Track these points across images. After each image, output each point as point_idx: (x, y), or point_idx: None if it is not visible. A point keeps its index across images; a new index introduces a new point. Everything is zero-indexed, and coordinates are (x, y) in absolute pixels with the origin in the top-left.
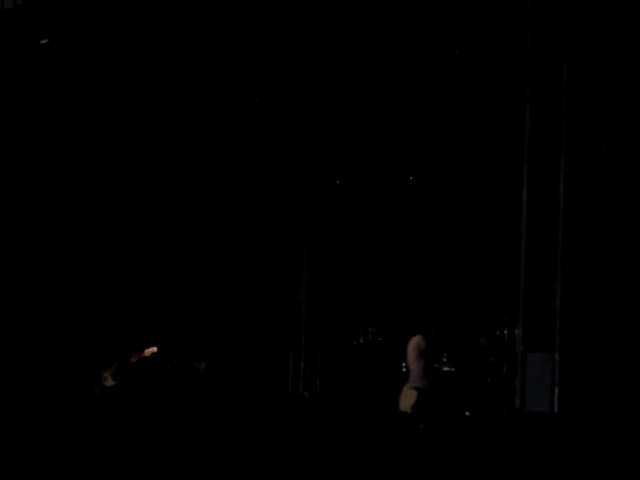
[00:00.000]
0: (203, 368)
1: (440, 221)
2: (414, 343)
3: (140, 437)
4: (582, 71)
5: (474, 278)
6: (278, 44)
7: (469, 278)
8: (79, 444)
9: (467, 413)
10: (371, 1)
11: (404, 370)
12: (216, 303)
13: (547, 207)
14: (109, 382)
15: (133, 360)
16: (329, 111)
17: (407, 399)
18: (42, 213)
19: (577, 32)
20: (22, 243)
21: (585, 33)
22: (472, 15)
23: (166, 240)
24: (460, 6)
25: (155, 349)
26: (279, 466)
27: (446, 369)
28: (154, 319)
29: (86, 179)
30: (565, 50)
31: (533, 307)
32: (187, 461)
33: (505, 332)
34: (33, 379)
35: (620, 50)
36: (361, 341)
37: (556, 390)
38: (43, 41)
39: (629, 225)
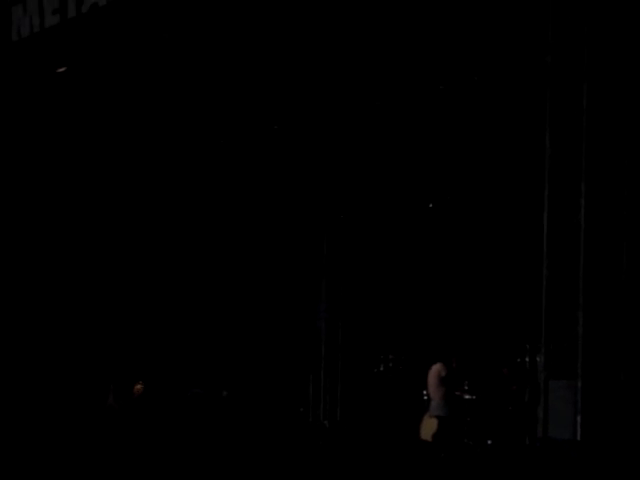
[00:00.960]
0: (225, 397)
1: (461, 248)
2: (435, 371)
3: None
4: (602, 95)
5: (495, 305)
6: (293, 57)
7: (490, 305)
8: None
9: (489, 442)
10: (390, 27)
11: (425, 398)
12: (236, 331)
13: (568, 233)
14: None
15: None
16: (348, 139)
17: (428, 428)
18: (45, 223)
19: (597, 55)
20: (25, 251)
21: (605, 56)
22: (491, 40)
23: (188, 271)
24: (479, 32)
25: (140, 386)
26: None
27: (467, 397)
28: (176, 348)
29: (92, 188)
30: (585, 74)
31: (555, 334)
32: None
33: (527, 359)
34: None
35: None
36: (381, 369)
37: (579, 418)
38: (61, 69)
39: None
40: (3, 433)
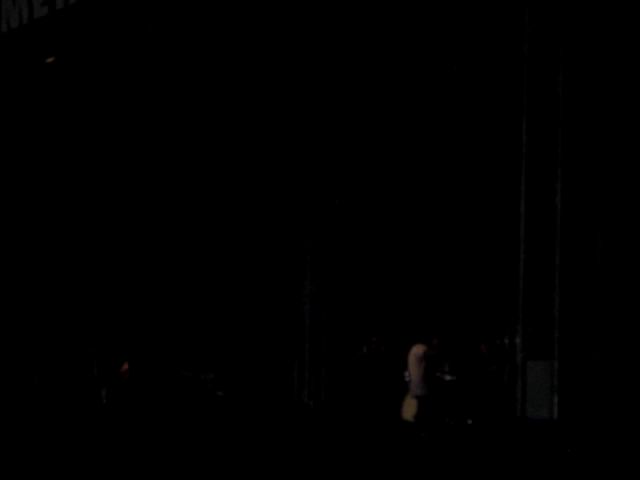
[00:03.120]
0: (211, 379)
1: (440, 231)
2: (414, 352)
3: (144, 448)
4: (578, 82)
5: (474, 287)
6: (280, 51)
7: (469, 287)
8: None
9: (469, 421)
10: (370, 17)
11: (406, 379)
12: (221, 314)
13: (545, 217)
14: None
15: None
16: (331, 124)
17: (409, 408)
18: (33, 210)
19: (573, 44)
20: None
21: (581, 45)
22: (470, 30)
23: (172, 251)
24: (458, 21)
25: (126, 367)
26: (284, 476)
27: (448, 378)
28: (163, 331)
29: (80, 177)
30: (561, 62)
31: (532, 315)
32: (191, 470)
33: (505, 340)
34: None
35: (616, 61)
36: (365, 351)
37: (556, 398)
38: (49, 59)
39: (626, 234)
40: None
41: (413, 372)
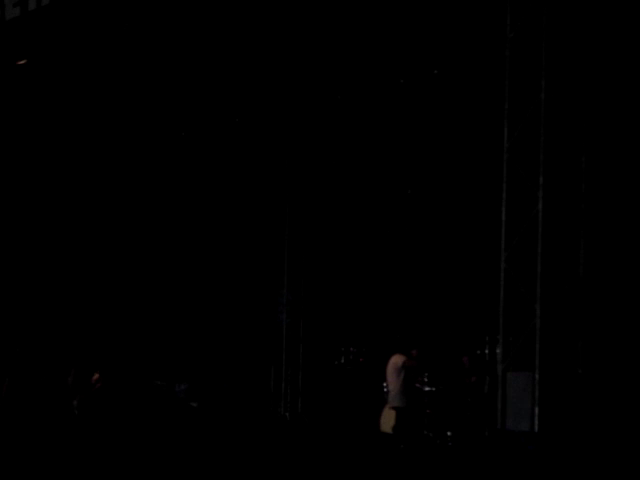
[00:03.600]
0: (185, 389)
1: (420, 241)
2: (393, 362)
3: (113, 458)
4: (560, 88)
5: (454, 298)
6: (266, 56)
7: (450, 298)
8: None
9: (449, 433)
10: (351, 22)
11: (385, 390)
12: (198, 323)
13: (526, 226)
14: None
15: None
16: (310, 130)
17: (387, 419)
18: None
19: (555, 50)
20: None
21: (563, 51)
22: (451, 34)
23: (147, 259)
24: (439, 26)
25: (97, 376)
26: None
27: (427, 389)
28: (137, 339)
29: (51, 176)
30: (543, 68)
31: (513, 326)
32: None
33: (486, 351)
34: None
35: (599, 68)
36: (342, 361)
37: (536, 409)
38: (21, 62)
39: (608, 243)
40: None
41: (392, 383)
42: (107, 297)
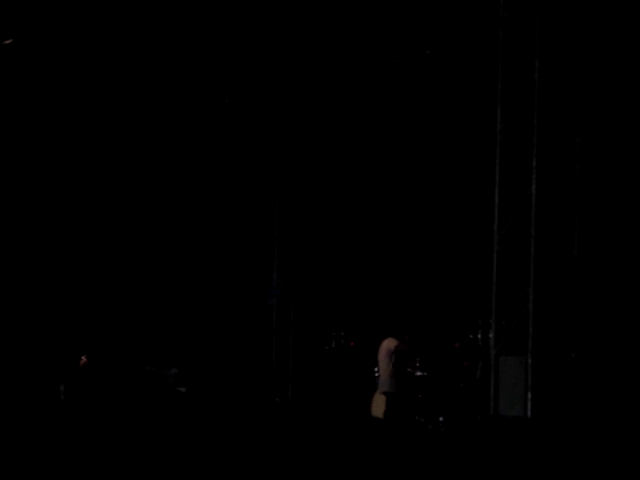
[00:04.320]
0: (174, 374)
1: (412, 224)
2: (384, 346)
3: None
4: (554, 69)
5: (447, 281)
6: (259, 45)
7: (442, 281)
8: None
9: (441, 418)
10: (344, 3)
11: (376, 375)
12: (188, 309)
13: (519, 209)
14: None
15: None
16: (301, 115)
17: (378, 405)
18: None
19: (549, 29)
20: None
21: (558, 30)
22: (444, 14)
23: (135, 243)
24: (432, 5)
25: (84, 360)
26: (250, 473)
27: (419, 374)
28: (126, 324)
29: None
30: (537, 48)
31: (506, 310)
32: (151, 467)
33: (479, 336)
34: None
35: (593, 48)
36: (333, 346)
37: (529, 394)
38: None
39: (602, 226)
40: None
41: (383, 368)
42: (94, 281)
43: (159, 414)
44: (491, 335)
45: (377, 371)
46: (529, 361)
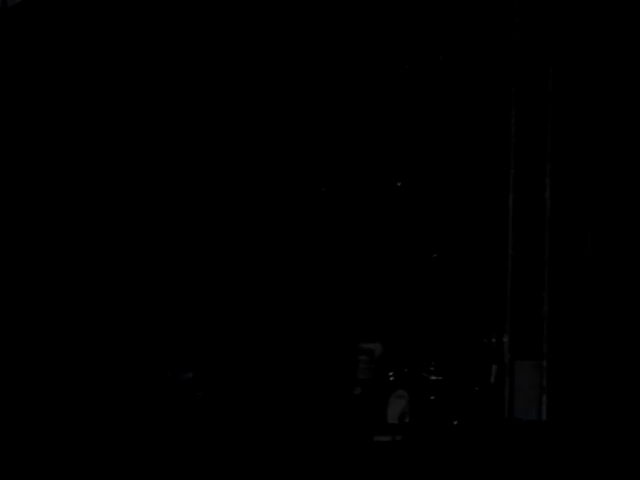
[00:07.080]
0: (190, 378)
1: (426, 226)
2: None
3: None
4: (568, 74)
5: (461, 285)
6: (262, 48)
7: (456, 285)
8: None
9: (455, 422)
10: (355, 7)
11: (391, 379)
12: (201, 311)
13: (534, 212)
14: None
15: None
16: (309, 119)
17: (393, 408)
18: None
19: (563, 35)
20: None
21: (572, 35)
22: (457, 19)
23: (149, 245)
24: (444, 11)
25: None
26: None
27: (433, 377)
28: (138, 327)
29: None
30: (551, 53)
31: (520, 314)
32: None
33: (493, 340)
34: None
35: (607, 53)
36: None
37: (544, 398)
38: None
39: (616, 230)
40: None
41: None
42: (106, 286)
43: (174, 418)
44: (505, 339)
45: (391, 375)
46: (544, 364)
